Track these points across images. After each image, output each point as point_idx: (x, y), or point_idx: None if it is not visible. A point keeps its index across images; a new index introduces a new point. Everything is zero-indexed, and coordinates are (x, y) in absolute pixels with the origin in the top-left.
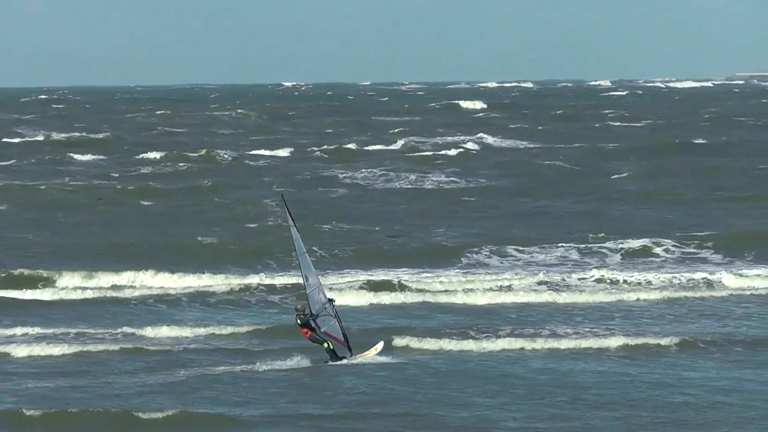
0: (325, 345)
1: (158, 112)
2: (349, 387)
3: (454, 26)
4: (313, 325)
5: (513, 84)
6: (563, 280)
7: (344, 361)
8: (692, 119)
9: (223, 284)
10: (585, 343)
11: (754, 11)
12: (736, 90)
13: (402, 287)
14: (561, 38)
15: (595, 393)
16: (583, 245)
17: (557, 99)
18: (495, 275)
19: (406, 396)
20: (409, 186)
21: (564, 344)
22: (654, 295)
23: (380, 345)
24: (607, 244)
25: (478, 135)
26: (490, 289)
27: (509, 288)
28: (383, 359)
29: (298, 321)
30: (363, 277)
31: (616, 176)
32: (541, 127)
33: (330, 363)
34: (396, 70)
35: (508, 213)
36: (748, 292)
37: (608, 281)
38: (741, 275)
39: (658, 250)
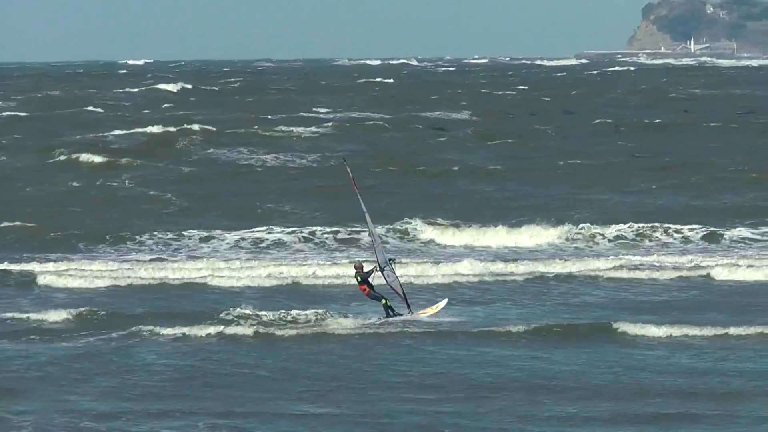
0: (383, 301)
1: None
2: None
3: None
4: (382, 275)
5: (401, 61)
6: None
7: (402, 318)
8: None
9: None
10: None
11: None
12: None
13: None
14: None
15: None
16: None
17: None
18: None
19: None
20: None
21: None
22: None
23: (443, 302)
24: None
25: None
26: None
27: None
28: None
29: (358, 278)
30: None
31: None
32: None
33: (386, 319)
34: (257, 46)
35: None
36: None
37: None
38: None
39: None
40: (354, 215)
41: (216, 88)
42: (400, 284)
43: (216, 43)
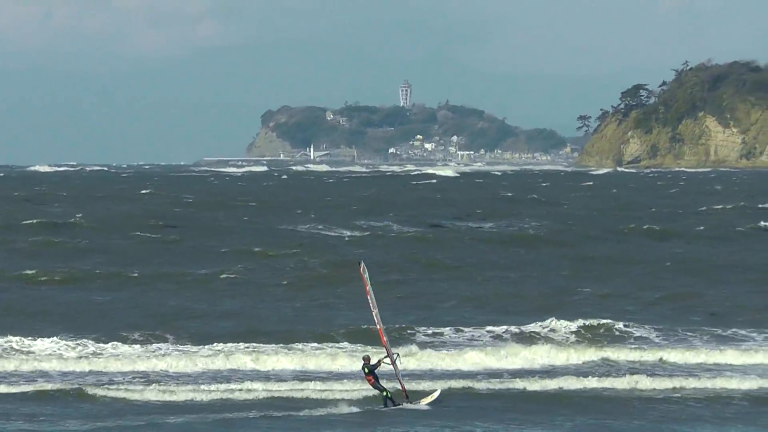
0: (384, 393)
1: None
2: None
3: None
4: (392, 365)
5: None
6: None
7: (400, 406)
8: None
9: None
10: None
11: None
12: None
13: None
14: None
15: None
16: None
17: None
18: None
19: None
20: None
21: None
22: None
23: (437, 393)
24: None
25: None
26: None
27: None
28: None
29: (365, 369)
30: None
31: None
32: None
33: (384, 408)
34: None
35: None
36: None
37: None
38: None
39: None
40: None
41: None
42: (400, 377)
43: None
